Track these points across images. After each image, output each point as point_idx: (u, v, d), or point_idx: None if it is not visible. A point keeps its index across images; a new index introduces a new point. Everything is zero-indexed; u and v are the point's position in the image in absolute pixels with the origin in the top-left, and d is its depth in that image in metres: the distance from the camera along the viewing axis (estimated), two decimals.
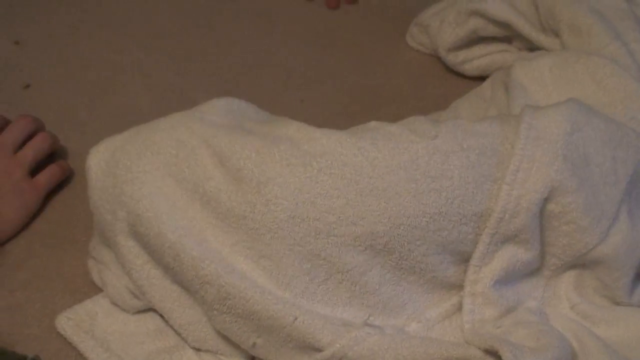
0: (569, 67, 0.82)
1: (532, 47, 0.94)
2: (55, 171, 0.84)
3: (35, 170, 0.82)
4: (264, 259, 0.65)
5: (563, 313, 0.69)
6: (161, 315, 0.71)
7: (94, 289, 0.74)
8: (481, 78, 0.97)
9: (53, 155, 0.86)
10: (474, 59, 0.99)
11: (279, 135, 0.67)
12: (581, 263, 0.69)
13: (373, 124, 0.70)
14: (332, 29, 1.10)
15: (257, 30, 1.09)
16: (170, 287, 0.68)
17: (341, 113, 0.96)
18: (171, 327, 0.70)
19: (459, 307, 0.69)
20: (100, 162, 0.69)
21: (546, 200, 0.66)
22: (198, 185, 0.66)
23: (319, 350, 0.64)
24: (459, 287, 0.69)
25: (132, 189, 0.67)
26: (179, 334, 0.70)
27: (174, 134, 0.68)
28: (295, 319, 0.64)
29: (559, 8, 0.89)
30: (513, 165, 0.66)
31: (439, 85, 1.01)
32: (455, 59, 1.00)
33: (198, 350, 0.69)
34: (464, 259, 0.68)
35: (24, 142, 0.83)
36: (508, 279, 0.68)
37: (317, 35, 1.09)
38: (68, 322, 0.71)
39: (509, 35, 0.96)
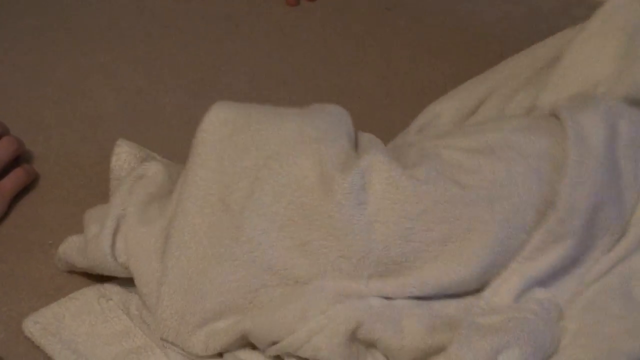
0: None
1: None
2: (21, 175, 0.83)
3: (0, 174, 0.82)
4: (341, 260, 0.67)
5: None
6: (128, 317, 0.72)
7: (61, 292, 0.74)
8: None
9: (18, 159, 0.86)
10: None
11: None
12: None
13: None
14: (295, 28, 1.10)
15: (222, 32, 1.09)
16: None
17: None
18: (145, 317, 0.70)
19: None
20: (228, 109, 0.71)
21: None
22: (297, 177, 0.68)
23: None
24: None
25: (267, 128, 0.70)
26: (154, 320, 0.69)
27: (281, 129, 0.70)
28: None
29: None
30: (570, 169, 0.68)
31: (405, 81, 1.02)
32: None
33: (165, 347, 0.69)
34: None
35: None
36: (555, 275, 0.69)
37: (280, 34, 1.09)
38: (35, 326, 0.70)
39: None
